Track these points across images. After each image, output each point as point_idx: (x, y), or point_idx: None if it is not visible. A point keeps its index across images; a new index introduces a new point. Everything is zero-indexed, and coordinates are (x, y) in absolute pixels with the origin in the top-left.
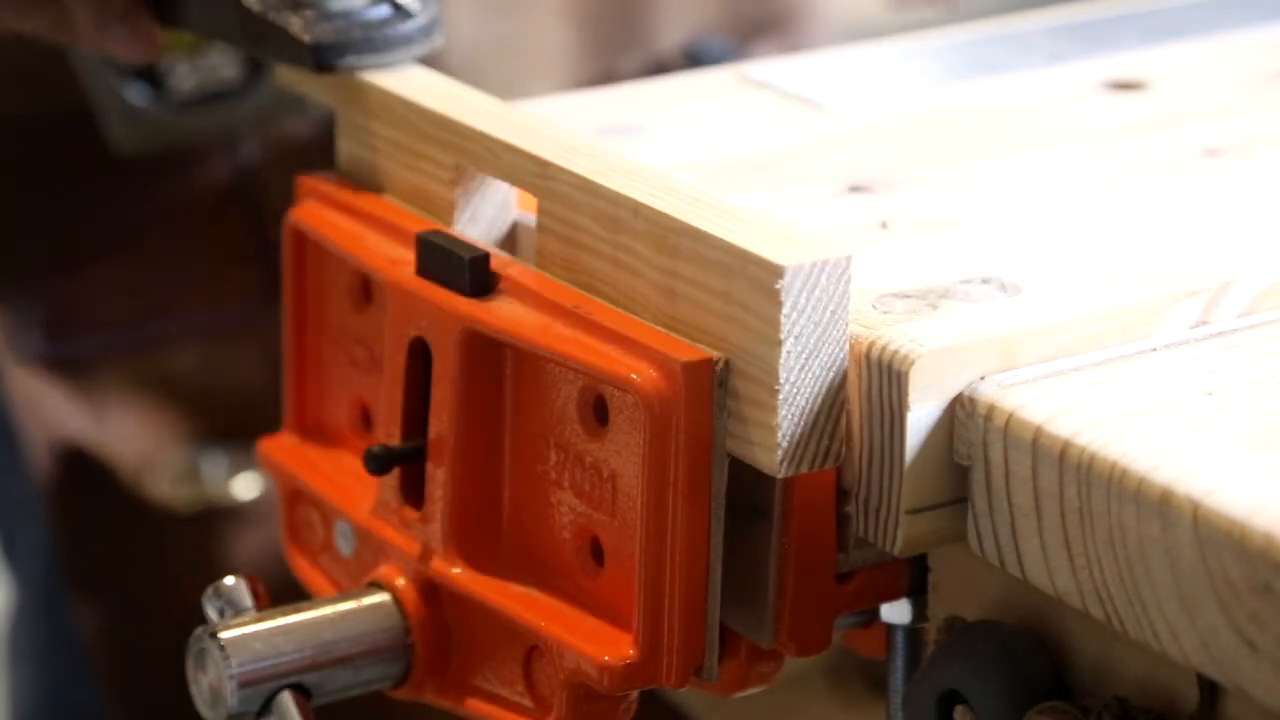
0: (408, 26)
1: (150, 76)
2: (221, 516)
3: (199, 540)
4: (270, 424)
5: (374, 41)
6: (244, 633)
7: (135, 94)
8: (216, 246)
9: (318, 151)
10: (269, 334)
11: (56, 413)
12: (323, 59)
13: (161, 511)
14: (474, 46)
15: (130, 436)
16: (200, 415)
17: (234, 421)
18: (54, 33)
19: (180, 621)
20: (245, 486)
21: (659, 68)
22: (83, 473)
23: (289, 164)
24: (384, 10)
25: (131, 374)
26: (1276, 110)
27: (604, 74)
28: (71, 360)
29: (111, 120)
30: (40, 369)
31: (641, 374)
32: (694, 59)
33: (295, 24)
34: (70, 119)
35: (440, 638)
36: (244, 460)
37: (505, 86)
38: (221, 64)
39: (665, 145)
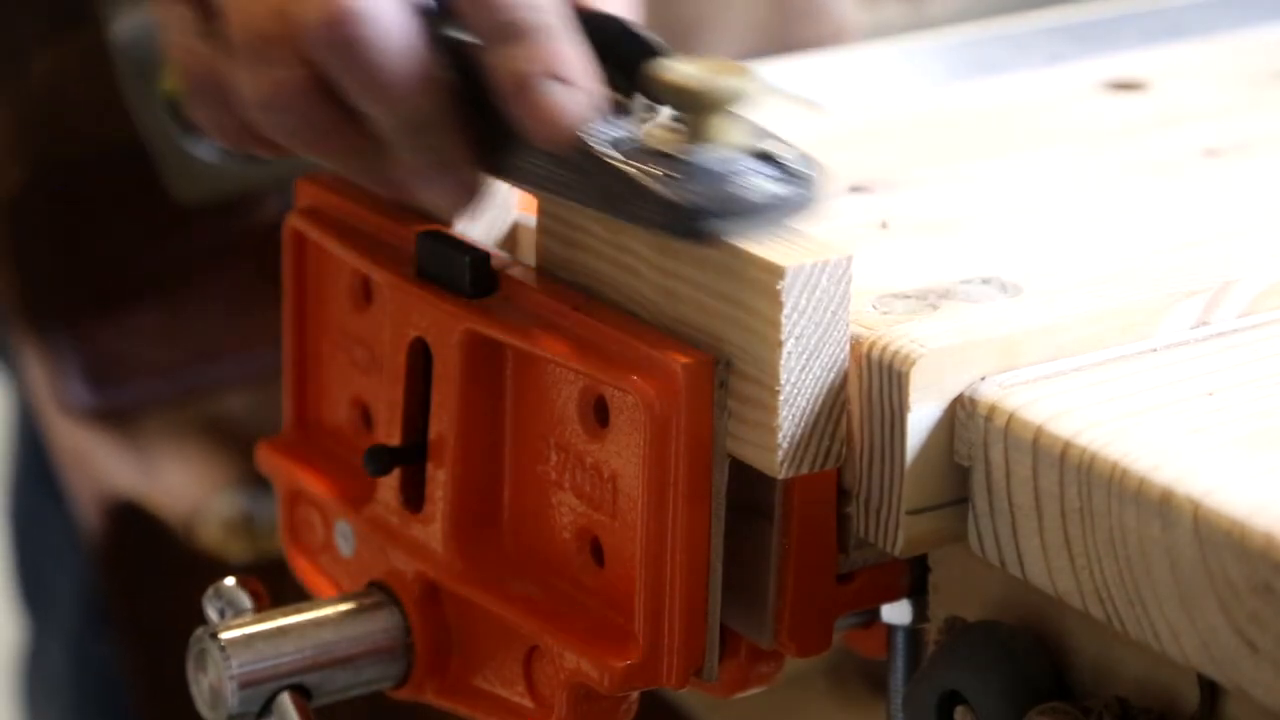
0: (788, 191)
1: None
2: (274, 565)
3: None
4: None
5: (748, 205)
6: (244, 633)
7: (198, 147)
8: (263, 289)
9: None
10: None
11: (104, 465)
12: (684, 223)
13: (214, 561)
14: None
15: (180, 486)
16: (251, 461)
17: None
18: (363, 176)
19: None
20: None
21: None
22: (133, 525)
23: None
24: (757, 165)
25: (180, 421)
26: (1276, 110)
27: None
28: (118, 409)
29: (171, 170)
30: (85, 419)
31: (642, 375)
32: None
33: (656, 181)
34: (117, 160)
35: (440, 638)
36: None
37: None
38: None
39: None
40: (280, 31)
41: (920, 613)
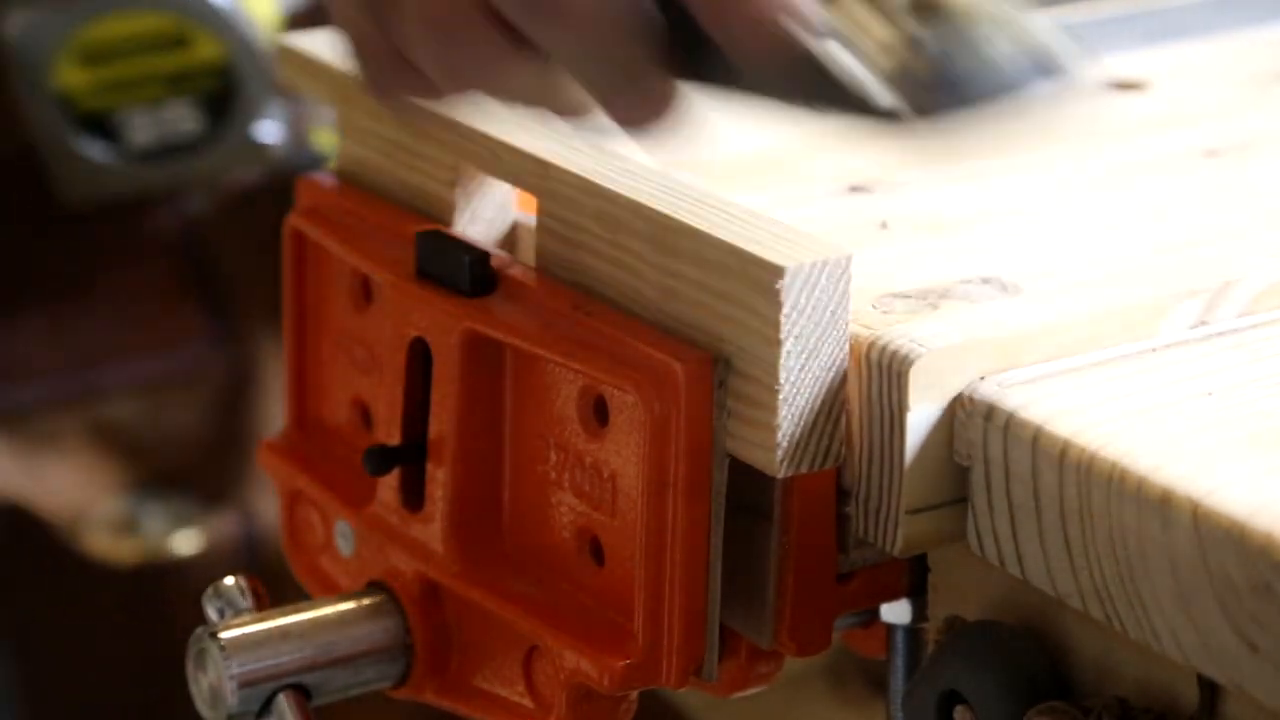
0: (1039, 74)
1: (105, 128)
2: (160, 570)
3: (135, 594)
4: (211, 475)
5: (985, 83)
6: (244, 633)
7: (89, 146)
8: (159, 295)
9: (266, 201)
10: (210, 383)
11: None
12: (921, 106)
13: (97, 565)
14: None
15: (66, 488)
16: (139, 466)
17: (173, 472)
18: (534, 102)
19: (111, 675)
20: (184, 541)
21: None
22: (16, 526)
23: (235, 213)
24: (1009, 47)
25: (68, 424)
26: (1276, 110)
27: None
28: (6, 410)
29: (60, 171)
30: None
31: (641, 374)
32: None
33: (882, 67)
34: (11, 163)
35: (440, 638)
36: (184, 513)
37: None
38: (182, 116)
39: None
40: None
41: (920, 612)
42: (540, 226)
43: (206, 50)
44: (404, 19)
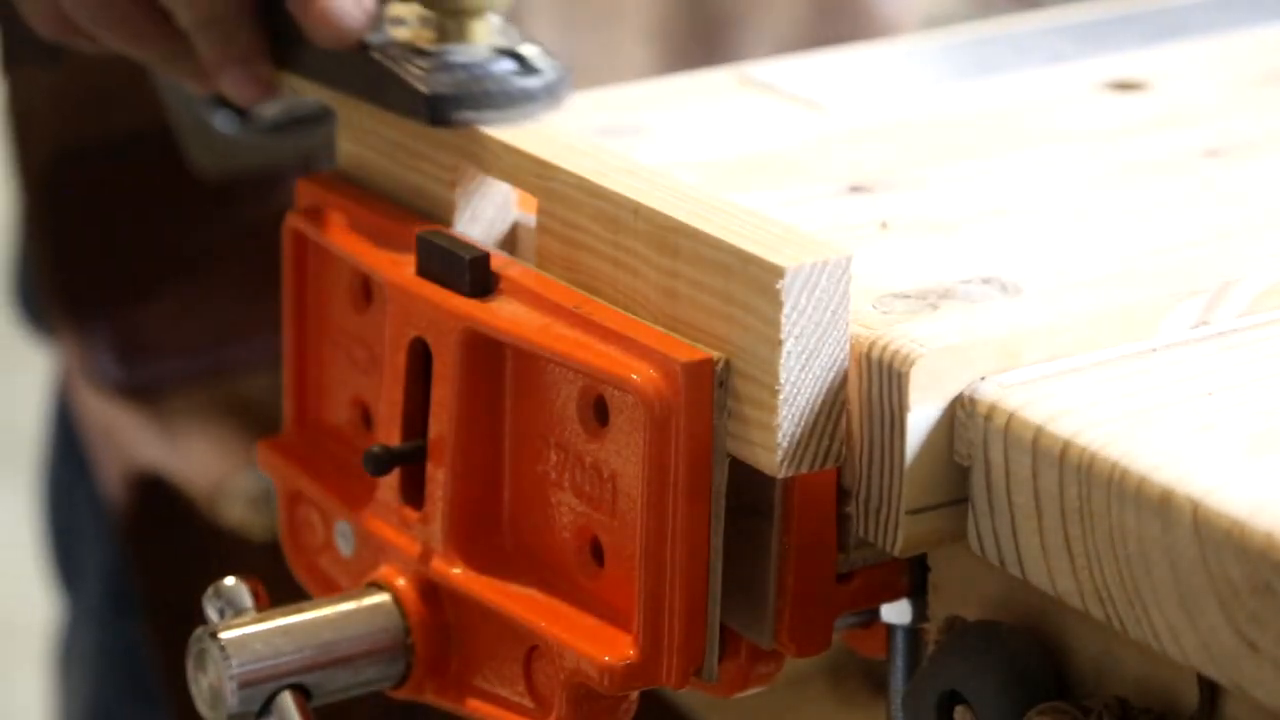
0: (531, 82)
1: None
2: None
3: (271, 567)
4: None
5: (494, 96)
6: (244, 633)
7: (219, 119)
8: None
9: None
10: None
11: (130, 439)
12: (438, 112)
13: (236, 537)
14: None
15: (204, 462)
16: None
17: None
18: (166, 65)
19: None
20: None
21: None
22: (157, 499)
23: None
24: (507, 64)
25: (206, 399)
26: (1276, 110)
27: None
28: (145, 386)
29: (192, 143)
30: (114, 395)
31: (642, 374)
32: None
33: (413, 74)
34: (147, 141)
35: (440, 638)
36: None
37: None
38: None
39: (665, 145)
40: None
41: (920, 612)
42: (540, 226)
43: None
44: None
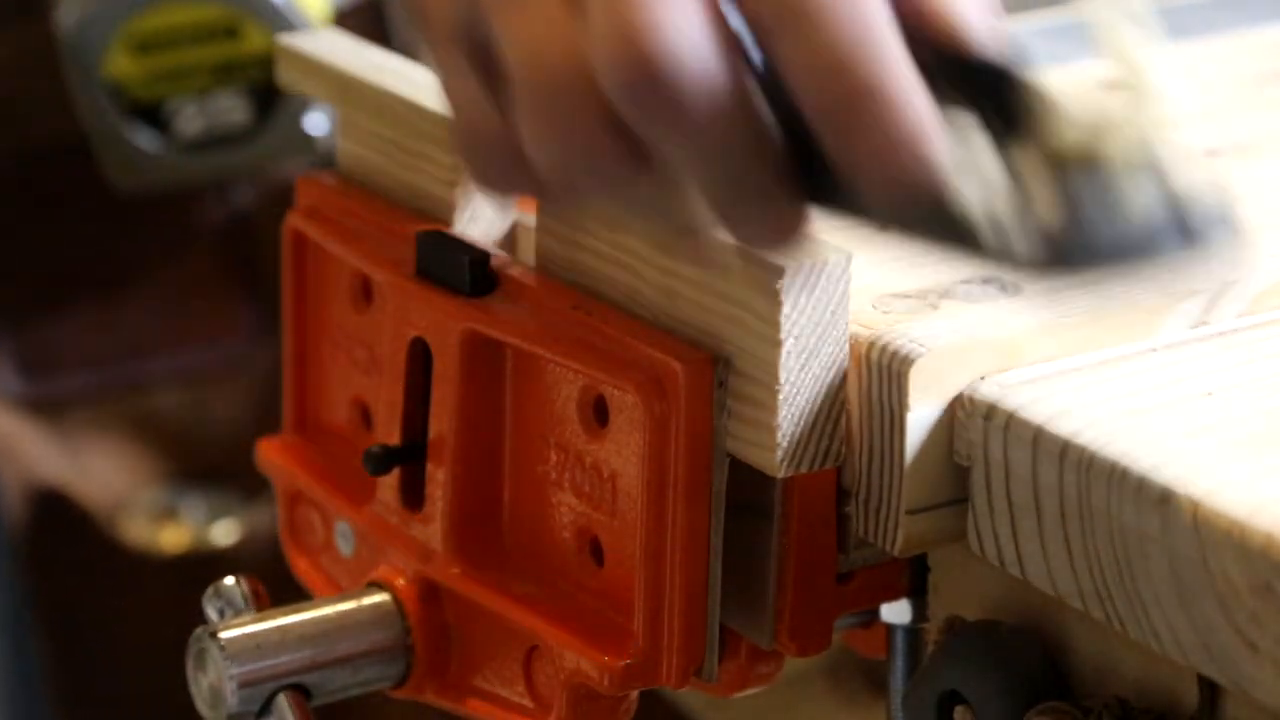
0: (1187, 235)
1: (154, 118)
2: (200, 561)
3: (174, 584)
4: (253, 467)
5: (1132, 246)
6: (244, 633)
7: (139, 135)
8: (203, 287)
9: None
10: (253, 376)
11: (31, 454)
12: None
13: (138, 554)
14: None
15: (106, 477)
16: (180, 457)
17: (214, 464)
18: (652, 211)
19: (149, 665)
20: (224, 531)
21: None
22: (58, 514)
23: (283, 206)
24: (1156, 201)
25: (111, 414)
26: (1276, 110)
27: None
28: (49, 399)
29: (108, 158)
30: (16, 408)
31: (641, 374)
32: None
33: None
34: (62, 153)
35: (440, 638)
36: (223, 504)
37: None
38: (231, 107)
39: None
40: (574, 81)
41: (920, 612)
42: (540, 226)
43: (256, 41)
44: (519, 110)
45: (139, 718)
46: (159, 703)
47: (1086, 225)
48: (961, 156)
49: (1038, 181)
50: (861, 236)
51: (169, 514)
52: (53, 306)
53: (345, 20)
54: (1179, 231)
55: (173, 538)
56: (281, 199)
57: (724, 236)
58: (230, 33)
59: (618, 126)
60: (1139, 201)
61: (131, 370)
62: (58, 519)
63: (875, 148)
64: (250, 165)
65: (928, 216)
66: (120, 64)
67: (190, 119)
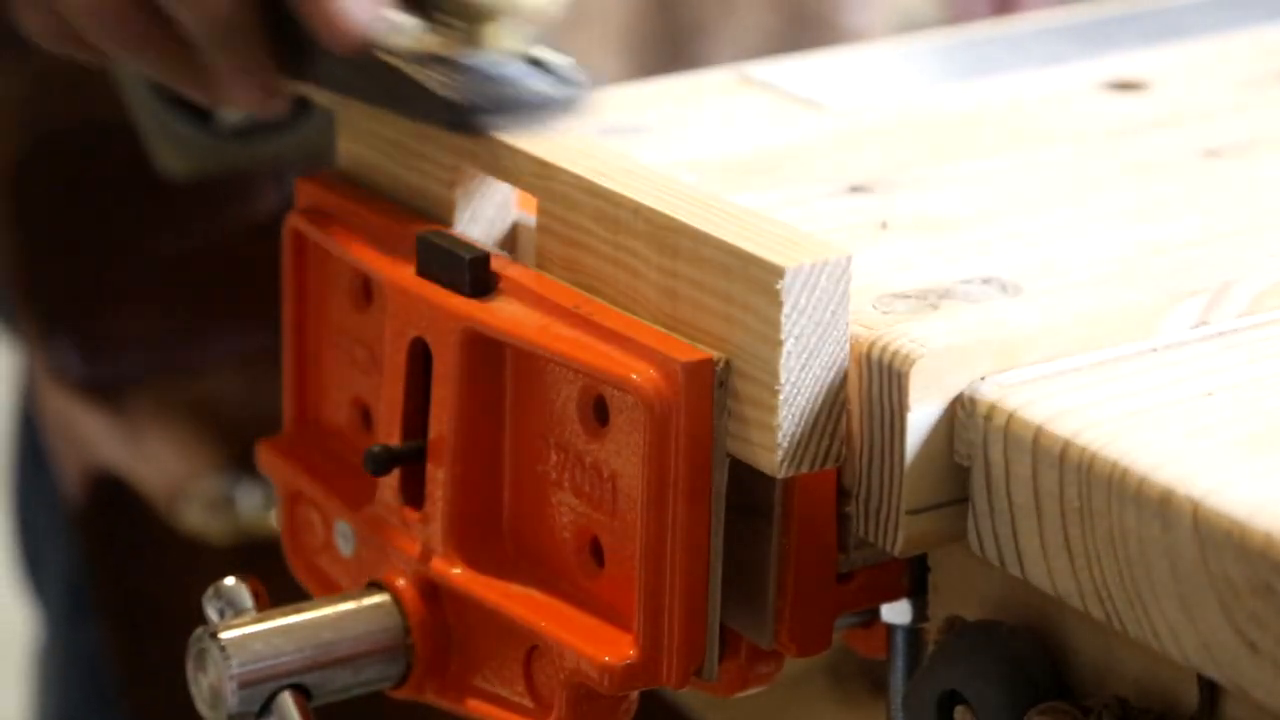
0: (550, 87)
1: (197, 105)
2: (255, 548)
3: (230, 571)
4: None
5: (513, 101)
6: (244, 633)
7: (182, 122)
8: (259, 274)
9: None
10: None
11: (91, 438)
12: (459, 117)
13: (194, 541)
14: None
15: (165, 463)
16: (237, 444)
17: None
18: (171, 75)
19: None
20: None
21: None
22: (116, 499)
23: None
24: (528, 69)
25: (168, 400)
26: (1276, 110)
27: None
28: (108, 384)
29: (157, 144)
30: (76, 393)
31: (642, 374)
32: None
33: (434, 80)
34: (119, 135)
35: (440, 638)
36: None
37: None
38: None
39: (665, 145)
40: None
41: (920, 612)
42: (540, 226)
43: None
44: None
45: (194, 705)
46: None
47: (488, 91)
48: (399, 25)
49: (452, 57)
50: (860, 236)
51: (225, 501)
52: (113, 290)
53: None
54: (557, 93)
55: (228, 525)
56: None
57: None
58: None
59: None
60: (525, 73)
61: (190, 354)
62: (116, 503)
63: (319, 7)
64: (296, 152)
65: (371, 77)
66: None
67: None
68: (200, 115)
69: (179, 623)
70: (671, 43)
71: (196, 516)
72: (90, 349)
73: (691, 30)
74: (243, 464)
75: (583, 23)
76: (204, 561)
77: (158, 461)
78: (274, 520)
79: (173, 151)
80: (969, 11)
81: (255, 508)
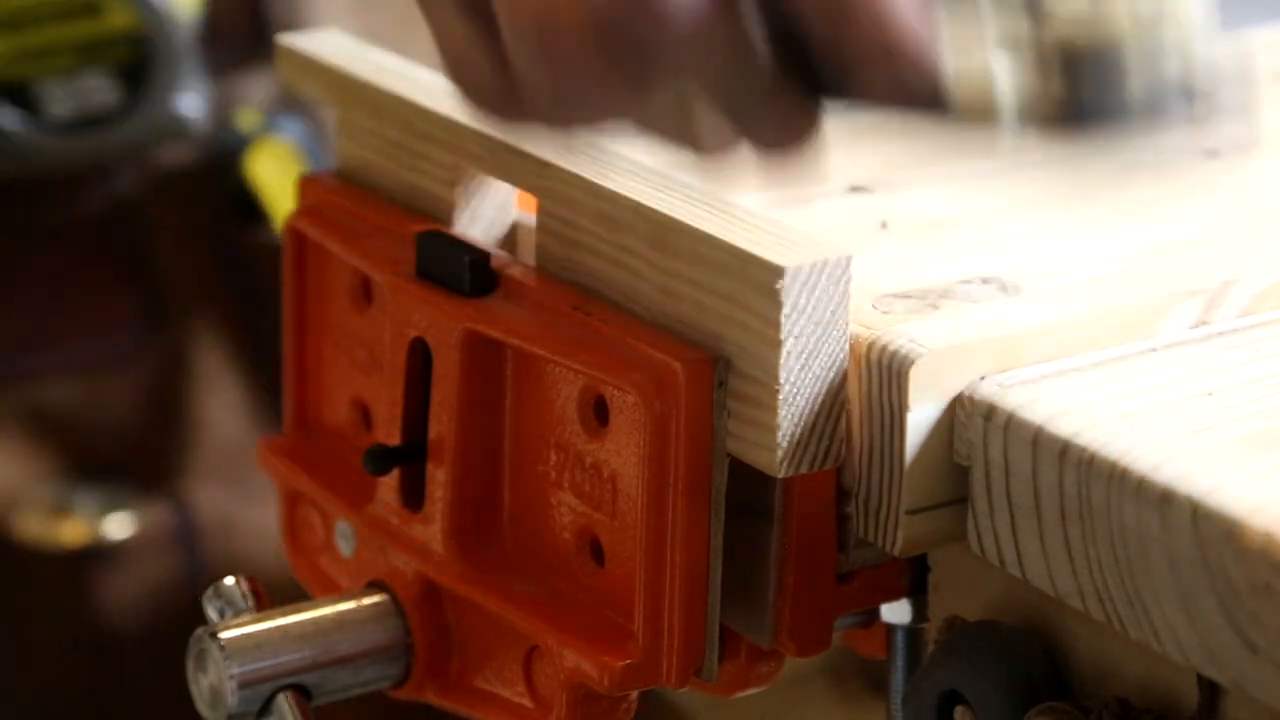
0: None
1: (21, 99)
2: (92, 556)
3: (68, 579)
4: (146, 460)
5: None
6: (244, 633)
7: (5, 117)
8: (90, 277)
9: (198, 180)
10: (146, 367)
11: None
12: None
13: (30, 549)
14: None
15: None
16: (72, 451)
17: (107, 457)
18: (664, 129)
19: (45, 660)
20: (118, 525)
21: None
22: None
23: (166, 193)
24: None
25: (1, 408)
26: (1277, 110)
27: None
28: None
29: None
30: None
31: (641, 374)
32: None
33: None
34: None
35: (440, 638)
36: (117, 498)
37: None
38: (99, 87)
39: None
40: (560, 5)
41: (920, 612)
42: (540, 226)
43: (119, 19)
44: (511, 42)
45: (39, 713)
46: (59, 697)
47: (1089, 92)
48: (961, 31)
49: (1039, 52)
50: (860, 236)
51: (63, 509)
52: None
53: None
54: (1184, 95)
55: (67, 532)
56: (164, 184)
57: (740, 147)
58: (91, 10)
59: (609, 45)
60: (1143, 66)
61: (19, 363)
62: None
63: (867, 31)
64: (123, 148)
65: (926, 95)
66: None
67: (59, 100)
68: (27, 108)
69: (14, 633)
70: None
71: (34, 525)
72: None
73: None
74: (79, 471)
75: None
76: (44, 570)
77: None
78: (112, 526)
79: None
80: None
81: (91, 515)
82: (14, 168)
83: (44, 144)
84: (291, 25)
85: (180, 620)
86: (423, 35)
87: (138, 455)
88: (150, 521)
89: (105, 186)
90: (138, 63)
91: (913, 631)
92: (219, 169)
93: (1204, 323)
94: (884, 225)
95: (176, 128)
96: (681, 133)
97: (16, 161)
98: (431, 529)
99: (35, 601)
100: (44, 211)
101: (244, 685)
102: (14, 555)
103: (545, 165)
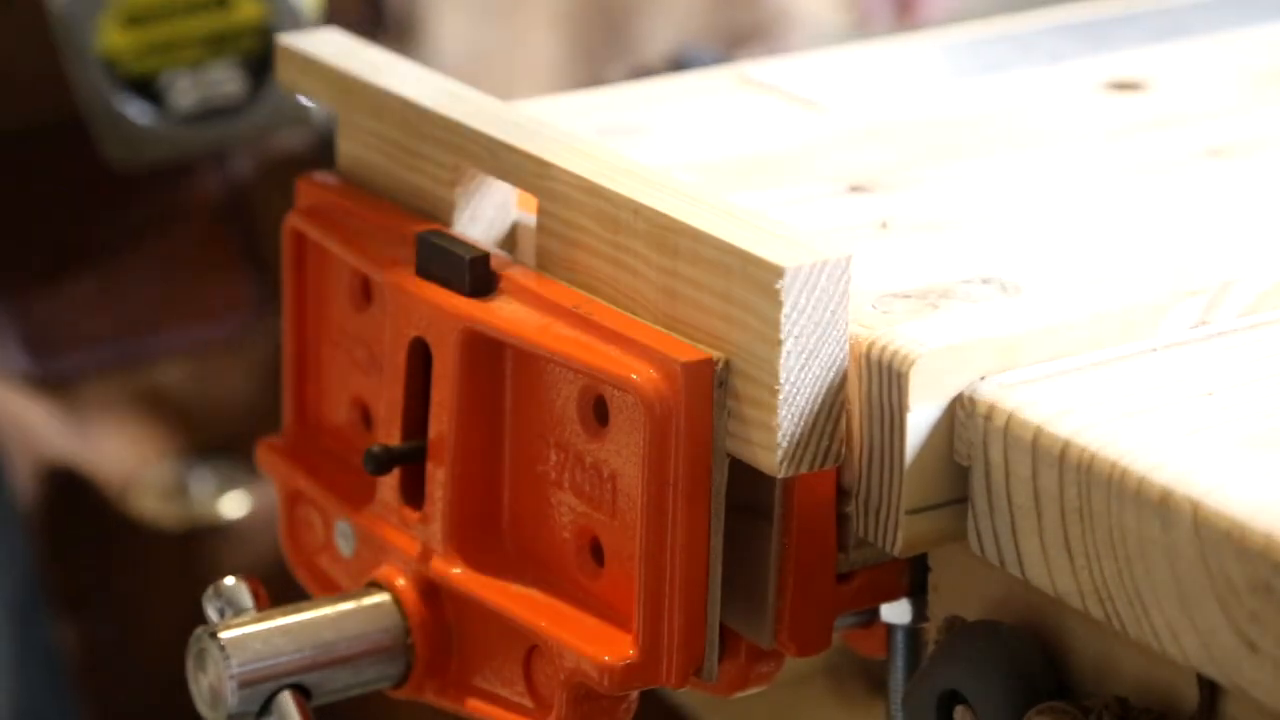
0: None
1: (149, 91)
2: (208, 534)
3: (185, 558)
4: (259, 439)
5: None
6: (244, 633)
7: (134, 110)
8: (205, 261)
9: (311, 166)
10: (258, 350)
11: (40, 431)
12: None
13: (147, 529)
14: (463, 55)
15: (116, 453)
16: (188, 432)
17: (222, 438)
18: None
19: (163, 639)
20: (233, 504)
21: (645, 76)
22: (68, 491)
23: (280, 178)
24: None
25: (117, 390)
26: (1276, 110)
27: (590, 83)
28: (56, 377)
29: (106, 135)
30: (23, 386)
31: (641, 374)
32: (681, 67)
33: None
34: (58, 131)
35: (440, 638)
36: (232, 477)
37: (493, 95)
38: (224, 79)
39: (665, 145)
40: None
41: (920, 612)
42: (540, 226)
43: (246, 11)
44: None
45: (154, 692)
46: (173, 677)
47: None
48: None
49: None
50: (860, 236)
51: (178, 489)
52: (55, 284)
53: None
54: None
55: (181, 512)
56: (279, 170)
57: None
58: (220, 3)
59: None
60: None
61: (136, 346)
62: (68, 497)
63: None
64: (246, 136)
65: None
66: (112, 38)
67: (185, 91)
68: (154, 101)
69: (133, 612)
70: (607, 23)
71: (149, 505)
72: (36, 344)
73: (626, 11)
74: (194, 452)
75: (523, 6)
76: (158, 550)
77: (109, 452)
78: (227, 506)
79: (120, 140)
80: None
81: (207, 495)
82: (139, 159)
83: (170, 135)
84: (409, 14)
85: (294, 598)
86: (531, 9)
87: (252, 436)
88: (264, 501)
89: (220, 172)
90: (262, 53)
91: (913, 631)
92: (332, 154)
93: (1204, 323)
94: (884, 225)
95: (298, 115)
96: None
97: (141, 153)
98: (431, 529)
99: (152, 581)
100: (160, 197)
101: (244, 685)
102: (131, 535)
103: (545, 165)
